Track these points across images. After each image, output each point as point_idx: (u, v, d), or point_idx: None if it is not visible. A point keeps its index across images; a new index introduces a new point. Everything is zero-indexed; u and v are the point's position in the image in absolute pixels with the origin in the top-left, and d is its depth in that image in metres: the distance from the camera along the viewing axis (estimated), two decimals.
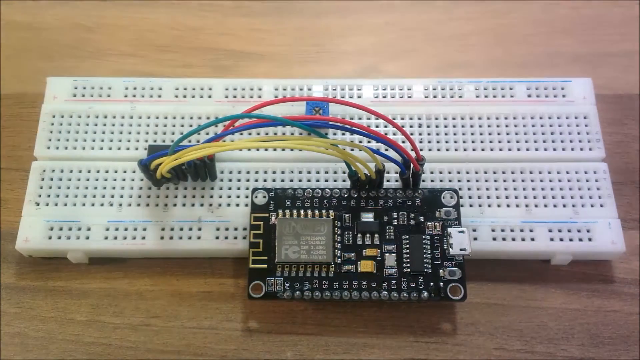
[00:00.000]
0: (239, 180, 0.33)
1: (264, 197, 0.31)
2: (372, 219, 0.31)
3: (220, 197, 0.33)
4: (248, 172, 0.33)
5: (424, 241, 0.31)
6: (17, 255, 0.33)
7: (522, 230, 0.32)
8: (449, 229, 0.31)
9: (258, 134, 0.34)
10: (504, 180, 0.33)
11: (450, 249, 0.30)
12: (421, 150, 0.34)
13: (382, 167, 0.31)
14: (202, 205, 0.33)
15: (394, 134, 0.34)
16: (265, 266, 0.30)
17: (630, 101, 0.37)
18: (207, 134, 0.34)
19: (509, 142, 0.34)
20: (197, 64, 0.39)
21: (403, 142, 0.33)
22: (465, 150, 0.34)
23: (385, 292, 0.30)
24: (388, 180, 0.33)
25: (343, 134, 0.34)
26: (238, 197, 0.33)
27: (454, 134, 0.34)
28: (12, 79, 0.38)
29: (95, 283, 0.33)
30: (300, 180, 0.33)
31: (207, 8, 0.41)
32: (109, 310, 0.32)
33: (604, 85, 0.37)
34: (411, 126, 0.34)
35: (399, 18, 0.40)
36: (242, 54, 0.39)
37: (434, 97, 0.35)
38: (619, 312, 0.32)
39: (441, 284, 0.30)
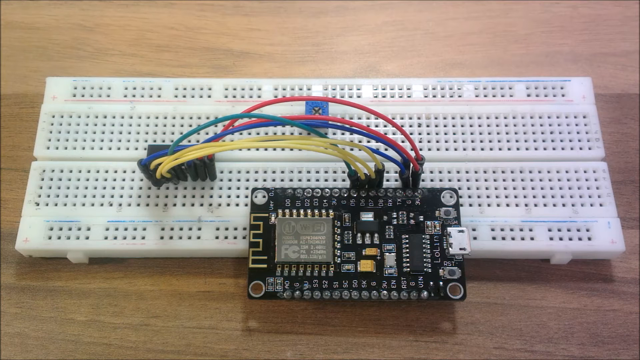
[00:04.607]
0: (238, 180, 0.33)
1: (264, 196, 0.31)
2: (372, 219, 0.31)
3: (220, 197, 0.33)
4: (248, 172, 0.33)
5: (423, 241, 0.31)
6: (17, 255, 0.33)
7: (521, 230, 0.32)
8: (449, 229, 0.31)
9: (258, 133, 0.34)
10: (504, 180, 0.33)
11: (450, 249, 0.30)
12: (421, 149, 0.34)
13: (381, 167, 0.31)
14: (202, 205, 0.33)
15: (394, 134, 0.34)
16: (265, 266, 0.30)
17: (630, 100, 0.37)
18: (207, 133, 0.34)
19: (508, 141, 0.34)
20: (196, 64, 0.39)
21: (403, 141, 0.33)
22: (464, 149, 0.34)
23: (385, 292, 0.30)
24: (388, 180, 0.33)
25: (343, 134, 0.34)
26: (238, 197, 0.33)
27: (454, 134, 0.34)
28: (12, 79, 0.38)
29: (95, 283, 0.33)
30: (300, 180, 0.33)
31: (207, 8, 0.41)
32: (108, 310, 0.32)
33: (603, 85, 0.37)
34: (411, 126, 0.34)
35: (398, 18, 0.40)
36: (242, 54, 0.39)
37: (434, 96, 0.35)
38: (618, 311, 0.32)
39: (441, 283, 0.30)
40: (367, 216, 0.31)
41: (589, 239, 0.32)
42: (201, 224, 0.32)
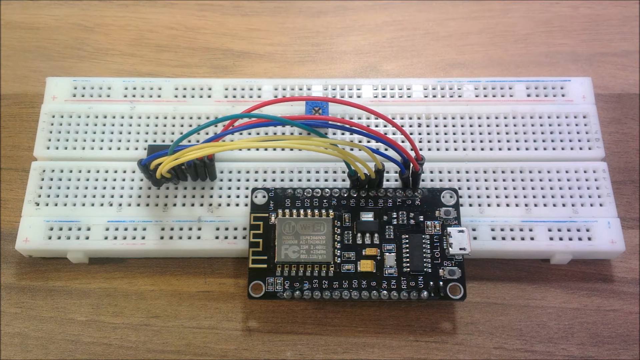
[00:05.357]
0: (238, 180, 0.33)
1: (264, 196, 0.31)
2: (372, 219, 0.31)
3: (220, 197, 0.33)
4: (248, 172, 0.33)
5: (423, 241, 0.31)
6: (17, 255, 0.33)
7: (521, 230, 0.32)
8: (449, 229, 0.31)
9: (258, 133, 0.34)
10: (504, 180, 0.33)
11: (450, 249, 0.30)
12: (421, 149, 0.34)
13: (381, 167, 0.31)
14: (202, 205, 0.33)
15: (394, 134, 0.34)
16: (265, 266, 0.30)
17: (630, 100, 0.37)
18: (207, 133, 0.34)
19: (508, 141, 0.34)
20: (196, 64, 0.39)
21: (403, 141, 0.33)
22: (464, 149, 0.34)
23: (385, 292, 0.30)
24: (388, 180, 0.33)
25: (343, 134, 0.34)
26: (238, 197, 0.33)
27: (454, 134, 0.34)
28: (12, 79, 0.38)
29: (95, 283, 0.33)
30: (300, 180, 0.33)
31: (207, 8, 0.41)
32: (108, 310, 0.32)
33: (603, 85, 0.37)
34: (411, 126, 0.34)
35: (398, 18, 0.40)
36: (242, 54, 0.39)
37: (434, 96, 0.35)
38: (618, 311, 0.32)
39: (441, 283, 0.30)
40: (367, 216, 0.31)
41: (589, 239, 0.32)
42: (201, 224, 0.32)
